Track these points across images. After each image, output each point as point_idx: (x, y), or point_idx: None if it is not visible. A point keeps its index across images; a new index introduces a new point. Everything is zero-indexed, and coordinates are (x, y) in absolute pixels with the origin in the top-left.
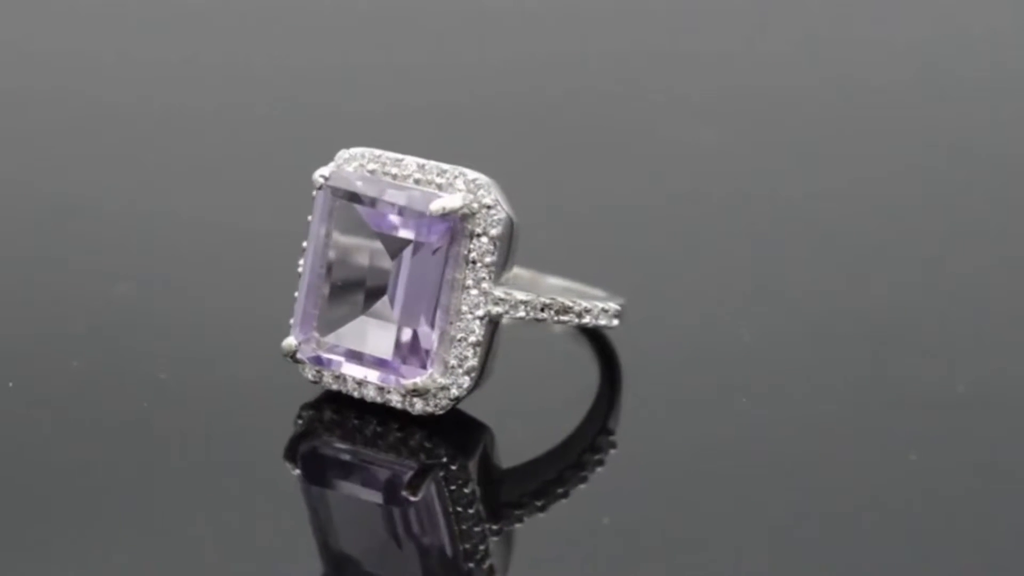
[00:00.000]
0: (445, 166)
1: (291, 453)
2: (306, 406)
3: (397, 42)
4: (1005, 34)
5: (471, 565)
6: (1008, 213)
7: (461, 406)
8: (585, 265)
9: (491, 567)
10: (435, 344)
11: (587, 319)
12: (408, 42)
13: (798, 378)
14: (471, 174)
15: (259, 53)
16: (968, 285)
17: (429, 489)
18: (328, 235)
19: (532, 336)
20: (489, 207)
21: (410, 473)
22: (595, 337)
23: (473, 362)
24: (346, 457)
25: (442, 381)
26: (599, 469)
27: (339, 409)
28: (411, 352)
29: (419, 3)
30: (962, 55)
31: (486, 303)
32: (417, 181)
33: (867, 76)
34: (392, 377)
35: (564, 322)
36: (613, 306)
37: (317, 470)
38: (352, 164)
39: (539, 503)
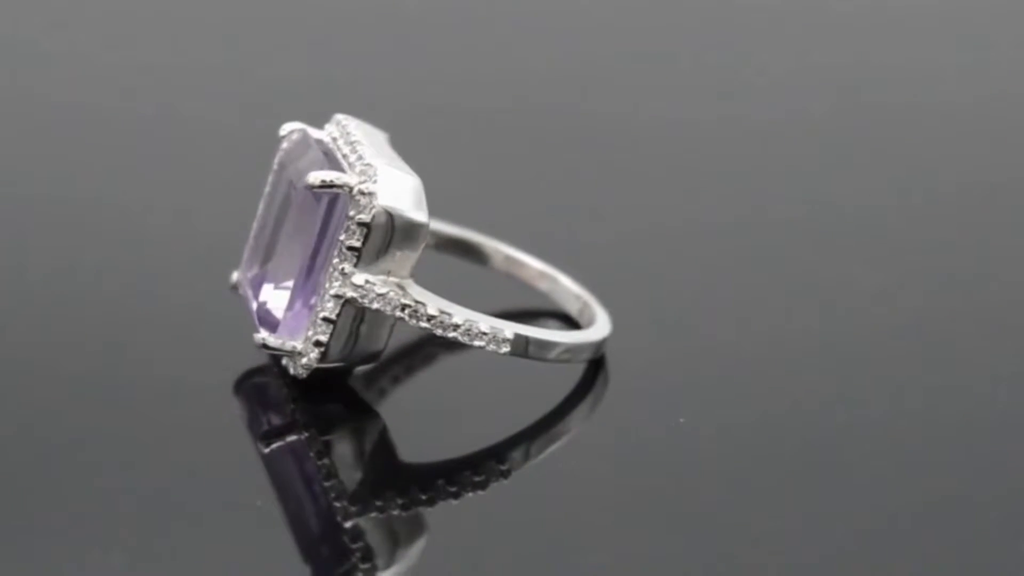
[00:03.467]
0: (367, 153)
1: (238, 387)
2: None
3: (412, 45)
4: None
5: (344, 539)
6: None
7: (363, 391)
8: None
9: (367, 548)
10: (289, 308)
11: (453, 334)
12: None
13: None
14: (373, 161)
15: (256, 54)
16: None
17: (289, 449)
18: (273, 185)
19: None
20: (366, 193)
21: (269, 427)
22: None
23: (321, 337)
24: (256, 402)
25: (298, 347)
26: (479, 492)
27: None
28: (266, 313)
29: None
30: None
31: (343, 285)
32: (344, 156)
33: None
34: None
35: (426, 330)
36: (506, 333)
37: (247, 408)
38: (329, 128)
39: (401, 501)
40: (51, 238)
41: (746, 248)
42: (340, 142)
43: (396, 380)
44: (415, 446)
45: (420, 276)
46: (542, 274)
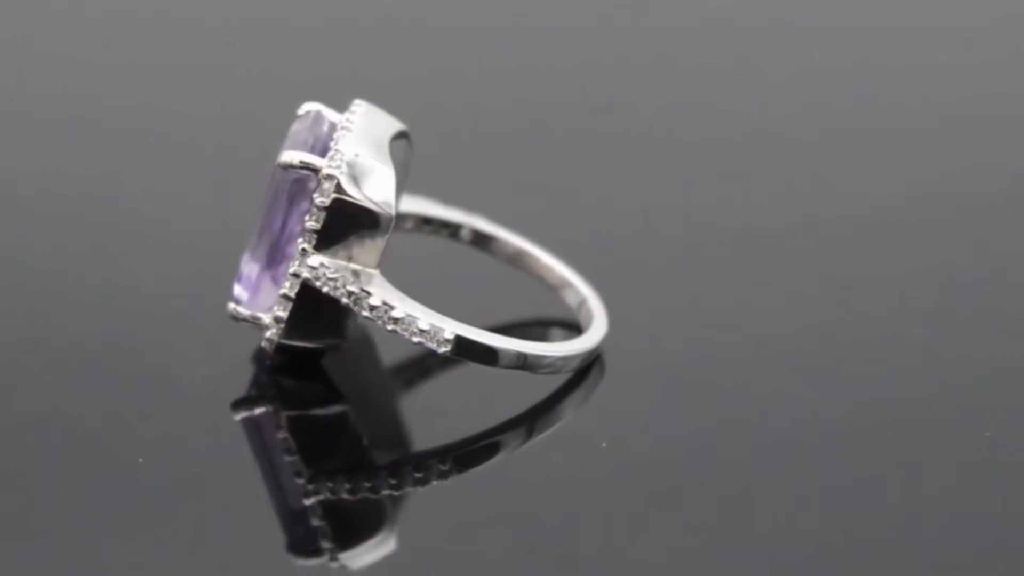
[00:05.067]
0: (345, 140)
1: (256, 357)
2: None
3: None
4: None
5: (307, 516)
6: None
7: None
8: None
9: (322, 528)
10: (256, 281)
11: (392, 327)
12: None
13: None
14: (344, 148)
15: (257, 54)
16: None
17: (259, 418)
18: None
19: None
20: (328, 177)
21: (243, 395)
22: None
23: (280, 313)
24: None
25: (264, 319)
26: (419, 488)
27: None
28: (245, 282)
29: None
30: None
31: (300, 264)
32: (333, 141)
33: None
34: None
35: (371, 320)
36: (445, 334)
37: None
38: (344, 112)
39: (348, 486)
40: (51, 238)
41: (746, 248)
42: (340, 126)
43: (426, 372)
44: (386, 434)
45: (438, 272)
46: (550, 269)
